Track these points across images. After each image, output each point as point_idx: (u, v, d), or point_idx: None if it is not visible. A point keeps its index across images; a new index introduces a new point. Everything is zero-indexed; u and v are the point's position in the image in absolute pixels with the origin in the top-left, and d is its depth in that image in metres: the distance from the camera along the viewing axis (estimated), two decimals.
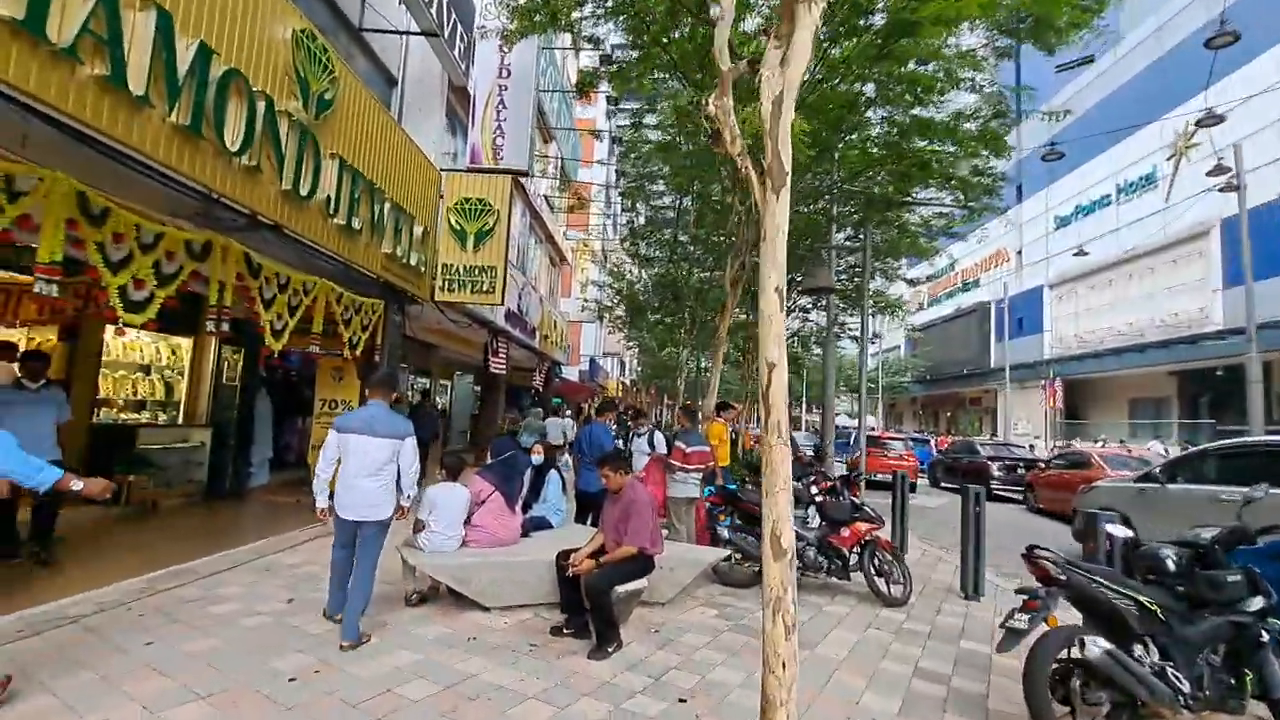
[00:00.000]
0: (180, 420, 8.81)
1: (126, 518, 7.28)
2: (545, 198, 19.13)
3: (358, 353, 8.15)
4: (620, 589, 4.06)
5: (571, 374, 27.20)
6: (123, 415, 8.26)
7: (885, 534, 5.85)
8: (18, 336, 7.05)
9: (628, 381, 41.19)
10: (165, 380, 8.93)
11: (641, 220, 15.93)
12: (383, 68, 9.21)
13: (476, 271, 9.15)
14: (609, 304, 22.31)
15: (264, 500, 8.92)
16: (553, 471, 6.04)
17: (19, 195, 3.98)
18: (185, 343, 9.01)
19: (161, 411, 8.81)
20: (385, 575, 5.57)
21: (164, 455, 8.02)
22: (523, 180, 12.88)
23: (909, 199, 9.40)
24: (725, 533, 5.78)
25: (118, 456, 7.46)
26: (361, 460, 4.13)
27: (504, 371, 14.54)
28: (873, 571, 5.67)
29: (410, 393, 14.43)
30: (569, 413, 15.53)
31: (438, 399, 16.11)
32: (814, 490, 6.10)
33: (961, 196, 8.88)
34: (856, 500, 5.95)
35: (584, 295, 24.05)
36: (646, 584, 4.32)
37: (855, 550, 5.71)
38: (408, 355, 11.62)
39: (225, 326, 5.82)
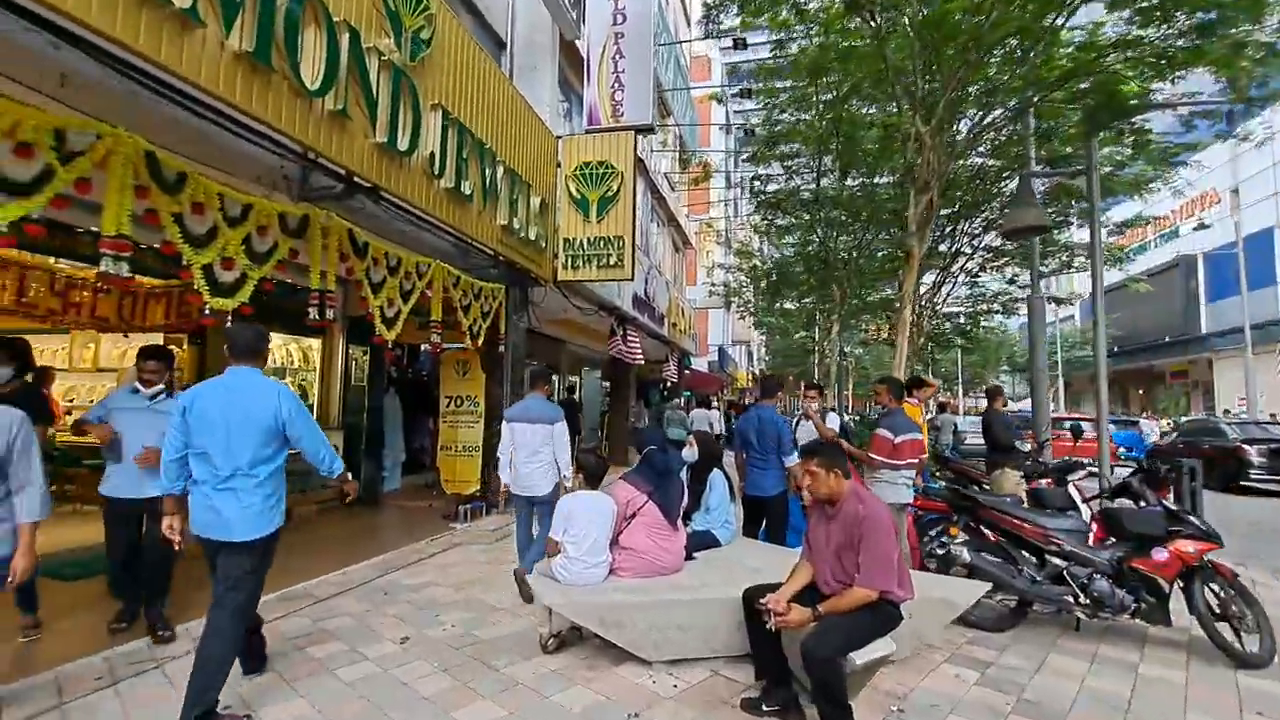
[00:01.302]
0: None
1: None
2: (666, 176, 17.93)
3: (478, 342, 7.31)
4: (858, 659, 2.61)
5: (700, 365, 25.88)
6: None
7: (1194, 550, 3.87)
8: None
9: (756, 371, 39.20)
10: (300, 384, 8.69)
11: (773, 187, 14.21)
12: (490, 30, 8.37)
13: (602, 244, 8.03)
14: (738, 286, 20.71)
15: (396, 505, 8.39)
16: (716, 472, 4.69)
17: (74, 156, 3.27)
18: (316, 343, 8.72)
19: None
20: (517, 604, 4.52)
21: (298, 461, 7.65)
22: (642, 158, 11.76)
23: (1154, 103, 7.02)
24: (965, 554, 4.10)
25: None
26: (523, 443, 4.92)
27: (639, 360, 13.41)
28: (1210, 612, 3.76)
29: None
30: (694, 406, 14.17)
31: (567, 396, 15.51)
32: (1083, 487, 4.25)
33: (1239, 84, 6.39)
34: (1169, 505, 4.02)
35: (710, 278, 22.58)
36: (894, 648, 2.81)
37: (1177, 581, 3.82)
38: (532, 351, 10.85)
39: (330, 314, 5.06)
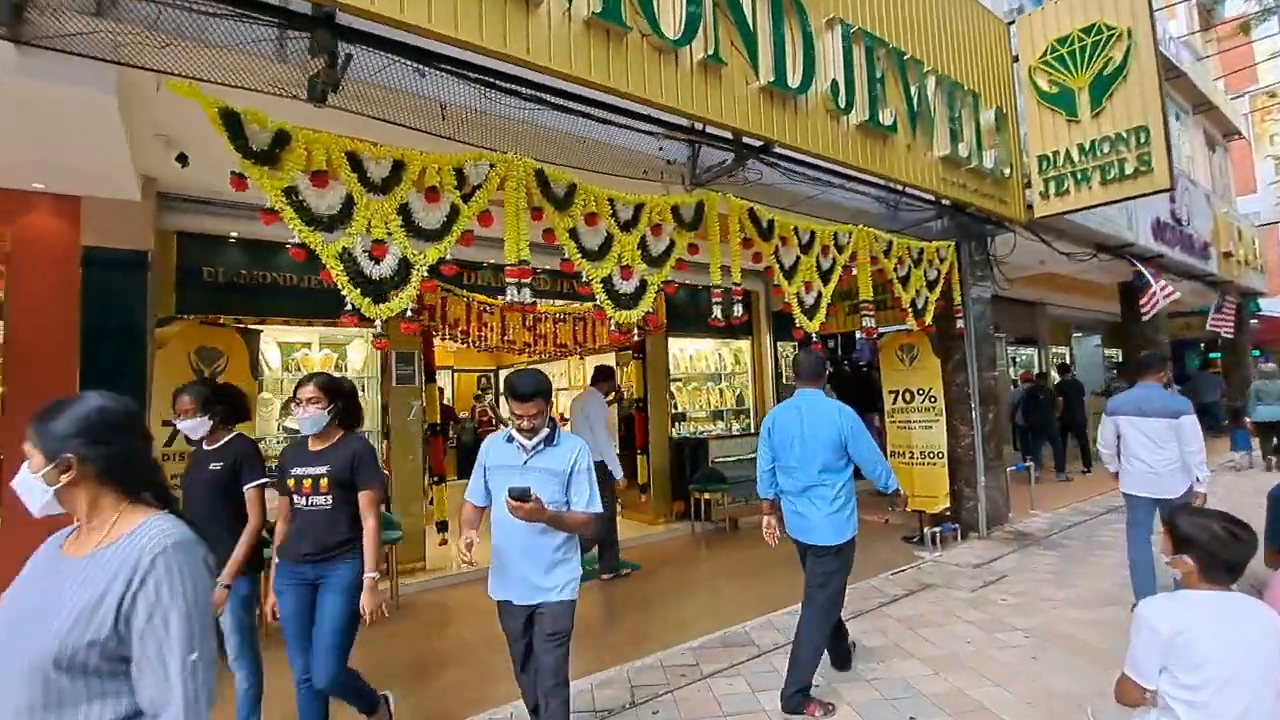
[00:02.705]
0: (752, 428, 8.15)
1: (707, 538, 6.77)
2: (1180, 44, 12.26)
3: (925, 321, 5.64)
4: None
5: (1274, 308, 17.16)
6: (700, 427, 8.07)
7: None
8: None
9: None
10: (735, 388, 8.50)
11: None
12: None
13: (1105, 148, 5.32)
14: None
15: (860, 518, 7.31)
16: None
17: (474, 191, 3.21)
18: (745, 345, 8.40)
19: (735, 420, 8.37)
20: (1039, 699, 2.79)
21: (739, 468, 7.35)
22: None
23: None
24: None
25: (692, 472, 7.09)
26: (1136, 440, 4.04)
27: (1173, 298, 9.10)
28: None
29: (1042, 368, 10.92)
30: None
31: (1051, 372, 11.81)
32: None
33: None
34: None
35: None
36: None
37: None
38: (998, 321, 8.29)
39: (736, 311, 4.30)
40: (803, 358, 3.30)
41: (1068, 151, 5.51)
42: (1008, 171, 5.52)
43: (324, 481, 2.48)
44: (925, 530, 5.92)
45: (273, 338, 5.43)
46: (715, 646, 3.81)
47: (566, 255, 3.56)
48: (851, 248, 5.00)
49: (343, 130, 2.83)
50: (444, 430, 9.29)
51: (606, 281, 3.73)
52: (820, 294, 4.80)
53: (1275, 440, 9.39)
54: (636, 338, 6.79)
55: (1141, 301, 8.81)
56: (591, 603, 4.86)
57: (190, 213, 4.34)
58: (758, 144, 3.89)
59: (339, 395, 2.62)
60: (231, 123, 2.60)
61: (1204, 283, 12.08)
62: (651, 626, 4.25)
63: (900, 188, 4.99)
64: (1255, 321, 14.35)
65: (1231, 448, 10.76)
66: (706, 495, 6.74)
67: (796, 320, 4.62)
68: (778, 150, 4.00)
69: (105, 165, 3.32)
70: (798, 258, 4.63)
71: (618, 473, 5.49)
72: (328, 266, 2.84)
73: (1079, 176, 5.45)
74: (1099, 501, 7.68)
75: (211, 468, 2.67)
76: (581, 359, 7.57)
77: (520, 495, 2.15)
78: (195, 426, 2.69)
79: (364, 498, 2.54)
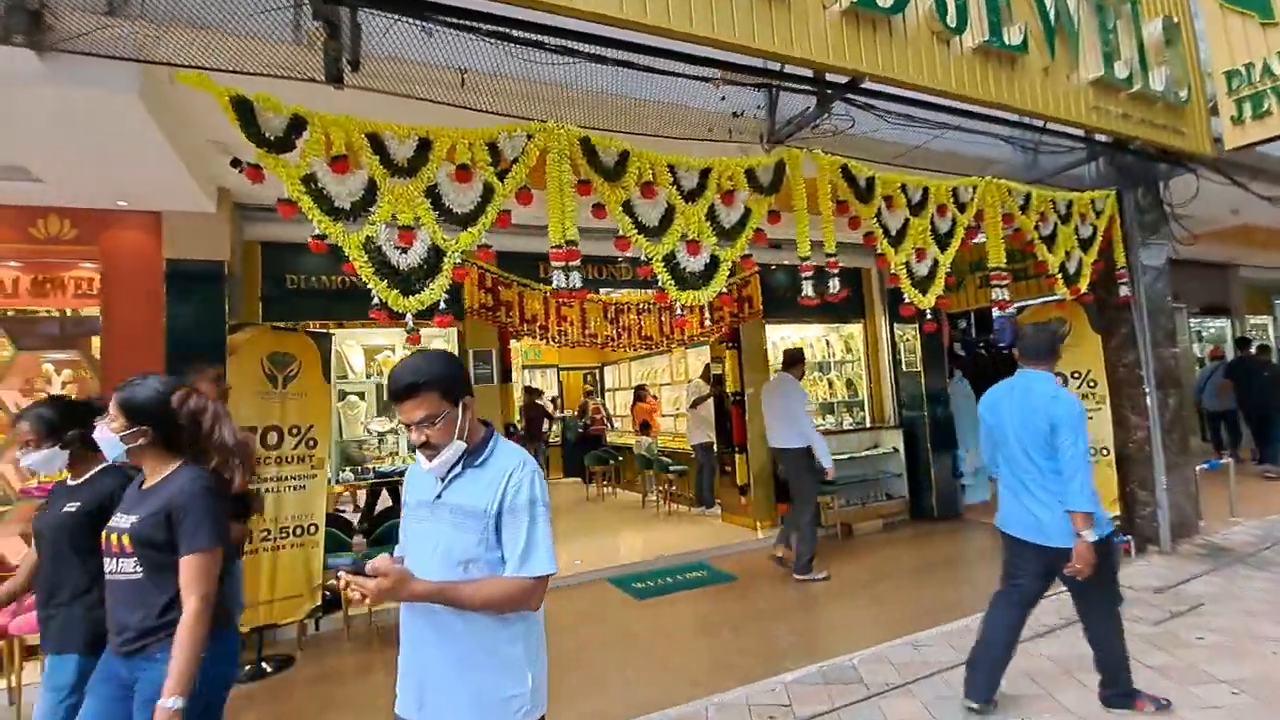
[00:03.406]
0: (868, 422, 7.30)
1: (822, 543, 6.06)
2: None
3: (1080, 288, 4.64)
4: None
5: None
6: None
7: None
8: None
9: None
10: (847, 377, 7.67)
11: None
12: None
13: None
14: None
15: (981, 525, 6.30)
16: None
17: (509, 167, 2.89)
18: (856, 329, 7.54)
19: (848, 414, 7.54)
20: None
21: (851, 467, 6.57)
22: None
23: None
24: None
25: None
26: None
27: None
28: None
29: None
30: None
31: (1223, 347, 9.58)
32: None
33: None
34: None
35: None
36: None
37: None
38: (1176, 290, 6.72)
39: (833, 286, 3.68)
40: (1029, 332, 2.97)
41: (1265, 63, 4.24)
42: (1184, 94, 4.35)
43: (126, 539, 1.68)
44: None
45: (356, 341, 5.50)
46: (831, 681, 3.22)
47: (621, 232, 3.15)
48: (977, 204, 4.16)
49: (369, 117, 2.61)
50: (533, 432, 9.30)
51: (669, 259, 3.27)
52: (936, 262, 4.02)
53: None
54: (728, 326, 6.41)
55: None
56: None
57: (267, 222, 4.40)
58: (843, 80, 3.23)
59: (146, 416, 1.76)
60: (244, 110, 2.44)
61: None
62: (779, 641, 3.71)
63: (1039, 124, 4.07)
64: None
65: None
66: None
67: (907, 295, 3.89)
68: (869, 86, 3.31)
69: (165, 177, 3.36)
70: (906, 220, 3.89)
71: (827, 461, 4.88)
72: (350, 258, 2.62)
73: None
74: None
75: (67, 509, 1.96)
76: (685, 350, 7.12)
77: (354, 571, 1.35)
78: (45, 460, 2.00)
79: (185, 566, 1.66)
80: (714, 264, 3.39)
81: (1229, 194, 6.02)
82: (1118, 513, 5.04)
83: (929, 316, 3.96)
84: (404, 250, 2.72)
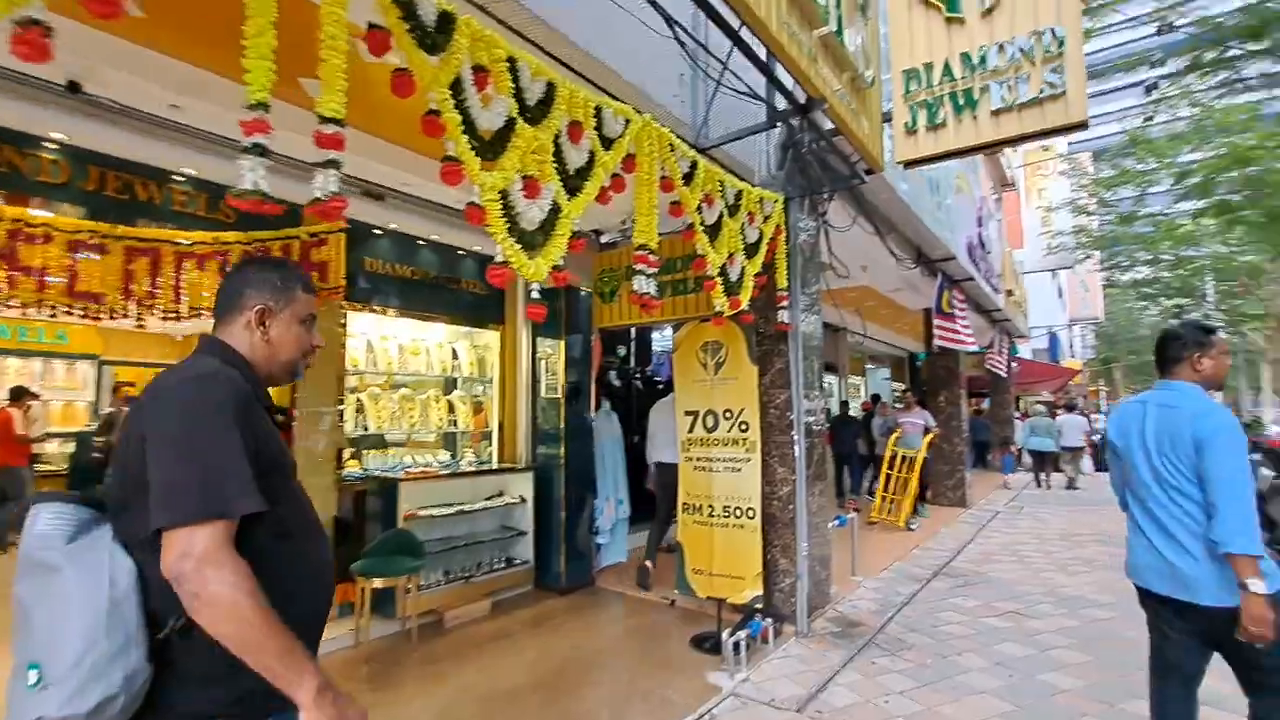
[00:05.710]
0: (494, 462, 5.48)
1: (378, 652, 3.86)
2: None
3: (741, 301, 3.51)
4: None
5: (1025, 352, 18.80)
6: (402, 458, 5.16)
7: None
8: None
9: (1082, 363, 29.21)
10: (476, 400, 5.78)
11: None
12: None
13: (999, 57, 3.58)
14: (1099, 234, 13.87)
15: (616, 595, 4.90)
16: None
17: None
18: (493, 338, 5.74)
19: (471, 451, 5.63)
20: None
21: (458, 524, 4.62)
22: None
23: None
24: None
25: (356, 532, 4.24)
26: None
27: (970, 346, 8.46)
28: None
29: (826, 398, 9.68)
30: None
31: (847, 402, 10.72)
32: None
33: None
34: None
35: (1049, 229, 15.55)
36: None
37: None
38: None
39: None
40: (1170, 332, 2.24)
41: (946, 64, 3.71)
42: (870, 74, 3.56)
43: None
44: (722, 636, 3.66)
45: None
46: None
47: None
48: (628, 146, 2.61)
49: None
50: None
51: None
52: (558, 208, 2.30)
53: (1045, 466, 12.15)
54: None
55: (943, 333, 7.84)
56: None
57: None
58: None
59: None
60: None
61: (986, 317, 12.08)
62: None
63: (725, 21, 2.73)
64: (1016, 365, 15.05)
65: (1003, 470, 13.00)
66: (380, 582, 3.83)
67: (511, 261, 2.08)
68: None
69: None
70: (511, 121, 2.10)
71: None
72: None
73: (960, 101, 3.66)
74: (920, 559, 6.23)
75: None
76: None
77: None
78: None
79: None
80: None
81: (864, 249, 5.93)
82: (757, 591, 4.02)
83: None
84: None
